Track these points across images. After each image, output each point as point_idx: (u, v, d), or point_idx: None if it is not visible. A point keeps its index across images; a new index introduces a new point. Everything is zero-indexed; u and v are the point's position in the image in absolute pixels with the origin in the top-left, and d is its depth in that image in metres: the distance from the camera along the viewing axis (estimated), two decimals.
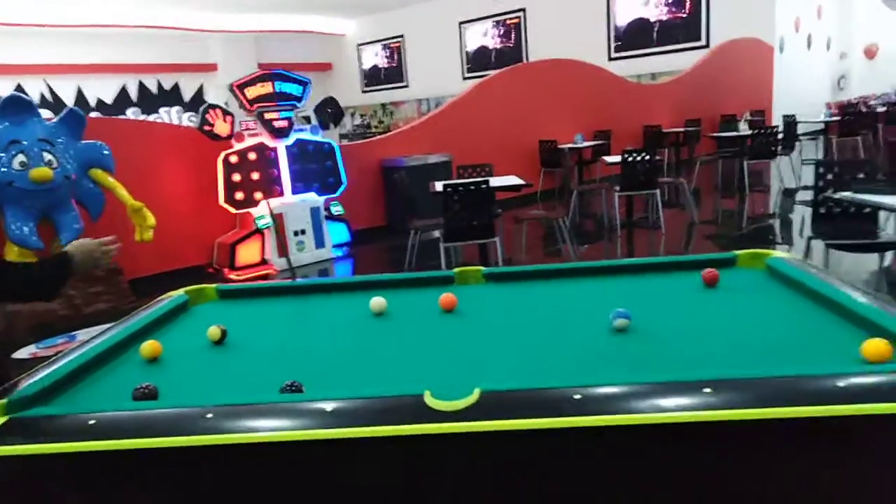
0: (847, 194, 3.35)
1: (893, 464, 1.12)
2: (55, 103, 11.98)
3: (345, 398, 1.23)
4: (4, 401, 1.32)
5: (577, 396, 1.16)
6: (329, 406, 1.21)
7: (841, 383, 1.13)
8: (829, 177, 3.75)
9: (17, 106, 4.34)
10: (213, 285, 2.28)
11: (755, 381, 1.15)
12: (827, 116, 11.29)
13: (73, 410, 1.30)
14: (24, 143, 4.22)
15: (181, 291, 2.18)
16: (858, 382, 1.14)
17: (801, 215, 6.68)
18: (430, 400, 1.19)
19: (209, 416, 1.20)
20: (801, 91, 12.51)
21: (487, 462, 1.17)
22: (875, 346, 1.26)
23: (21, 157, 4.20)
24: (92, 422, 1.22)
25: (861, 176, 3.66)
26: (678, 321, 1.70)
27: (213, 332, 1.76)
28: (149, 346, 1.66)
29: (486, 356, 1.57)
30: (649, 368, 1.38)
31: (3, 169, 4.19)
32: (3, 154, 4.19)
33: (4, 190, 4.22)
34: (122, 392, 1.41)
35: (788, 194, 8.08)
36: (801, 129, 10.53)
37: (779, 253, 2.06)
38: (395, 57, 16.19)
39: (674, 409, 1.12)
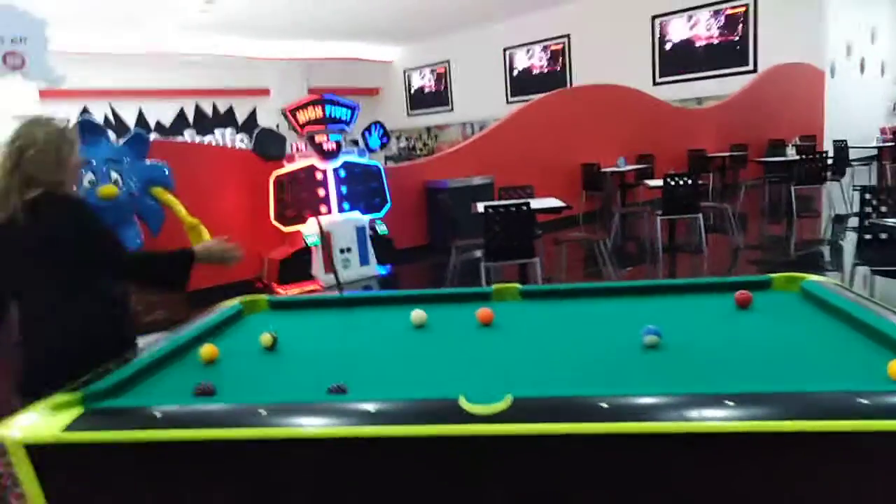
0: (893, 221, 3.31)
1: None
2: (118, 125, 12.64)
3: (386, 400, 1.33)
4: (81, 394, 1.46)
5: (605, 405, 1.22)
6: (371, 407, 1.30)
7: (864, 400, 1.17)
8: (875, 203, 3.70)
9: (90, 129, 4.66)
10: (266, 296, 2.42)
11: (777, 395, 1.20)
12: (880, 142, 10.99)
13: (142, 404, 1.43)
14: (94, 163, 4.52)
15: (236, 301, 2.33)
16: (881, 400, 1.18)
17: (851, 242, 6.53)
18: (465, 404, 1.27)
19: (262, 412, 1.32)
20: (855, 116, 12.21)
21: (518, 463, 1.24)
22: None
23: (90, 176, 4.49)
24: (158, 414, 1.35)
25: None
26: (708, 339, 1.74)
27: (266, 338, 1.89)
28: (207, 349, 1.80)
29: (520, 367, 1.64)
30: (676, 382, 1.43)
31: (73, 188, 4.48)
32: None
33: None
34: (183, 389, 1.54)
35: (839, 220, 7.89)
36: (853, 154, 10.28)
37: (814, 276, 2.08)
38: (441, 81, 16.50)
39: (697, 419, 1.17)
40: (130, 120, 13.26)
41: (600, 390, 1.29)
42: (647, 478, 1.21)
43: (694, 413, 1.18)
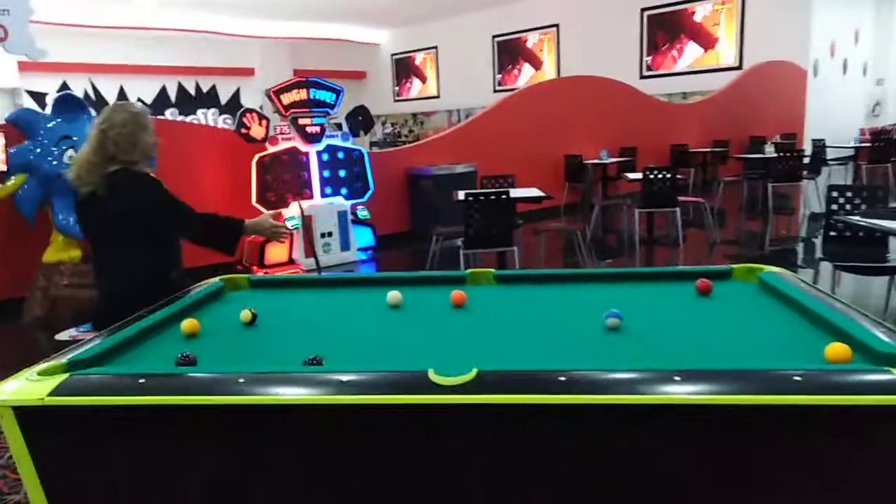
0: (856, 218, 3.45)
1: (834, 449, 1.26)
2: (98, 101, 12.47)
3: (359, 371, 1.40)
4: (66, 361, 1.52)
5: (562, 378, 1.31)
6: (345, 377, 1.38)
7: (798, 378, 1.27)
8: (842, 201, 3.84)
9: (70, 104, 4.65)
10: (246, 275, 2.48)
11: (720, 372, 1.30)
12: (857, 142, 11.22)
13: (125, 371, 1.49)
14: (75, 138, 4.51)
15: (217, 279, 2.39)
16: (814, 378, 1.28)
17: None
18: (433, 376, 1.35)
19: (241, 380, 1.39)
20: (835, 116, 12.44)
21: (482, 431, 1.33)
22: (835, 349, 1.40)
23: (71, 152, 4.49)
24: (141, 381, 1.41)
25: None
26: (666, 323, 1.84)
27: (245, 314, 1.95)
28: (189, 323, 1.86)
29: (488, 344, 1.73)
30: (631, 360, 1.52)
31: (53, 162, 4.48)
32: (54, 148, 4.49)
33: (53, 182, 4.51)
34: (166, 360, 1.60)
35: (815, 218, 8.09)
36: (832, 153, 10.49)
37: (772, 268, 2.19)
38: (429, 67, 16.49)
39: (645, 392, 1.27)
40: (111, 96, 13.06)
41: (559, 366, 1.38)
42: (600, 447, 1.31)
43: (643, 387, 1.27)
